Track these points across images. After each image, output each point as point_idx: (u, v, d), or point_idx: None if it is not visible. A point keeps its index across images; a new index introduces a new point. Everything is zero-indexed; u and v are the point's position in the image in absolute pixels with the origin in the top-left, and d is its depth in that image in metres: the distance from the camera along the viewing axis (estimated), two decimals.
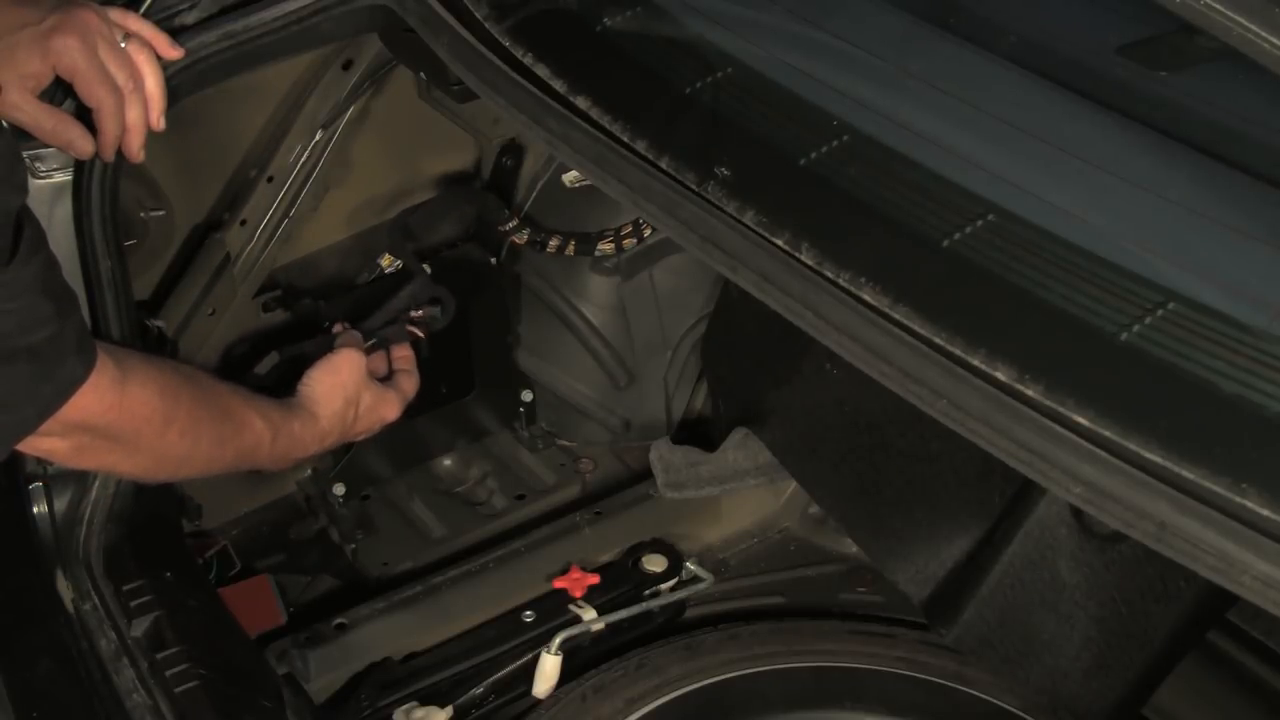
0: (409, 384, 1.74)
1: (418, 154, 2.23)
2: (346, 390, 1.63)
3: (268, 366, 1.80)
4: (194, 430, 1.40)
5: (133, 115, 1.50)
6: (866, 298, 1.27)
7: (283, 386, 1.62)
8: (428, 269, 2.00)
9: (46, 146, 1.51)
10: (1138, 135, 1.40)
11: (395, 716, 1.81)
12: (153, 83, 1.51)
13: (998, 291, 1.26)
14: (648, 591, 1.99)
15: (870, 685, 1.85)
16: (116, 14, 1.51)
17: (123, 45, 1.49)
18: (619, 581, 1.99)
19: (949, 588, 1.82)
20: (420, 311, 1.88)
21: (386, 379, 1.73)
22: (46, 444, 1.30)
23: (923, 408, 1.21)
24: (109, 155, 1.52)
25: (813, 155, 1.41)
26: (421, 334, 1.88)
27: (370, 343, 1.76)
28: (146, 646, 1.53)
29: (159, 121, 1.53)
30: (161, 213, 2.00)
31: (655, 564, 2.02)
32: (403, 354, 1.78)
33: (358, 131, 2.08)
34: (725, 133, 1.48)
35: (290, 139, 2.02)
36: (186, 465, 1.44)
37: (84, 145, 1.49)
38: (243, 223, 2.05)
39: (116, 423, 1.31)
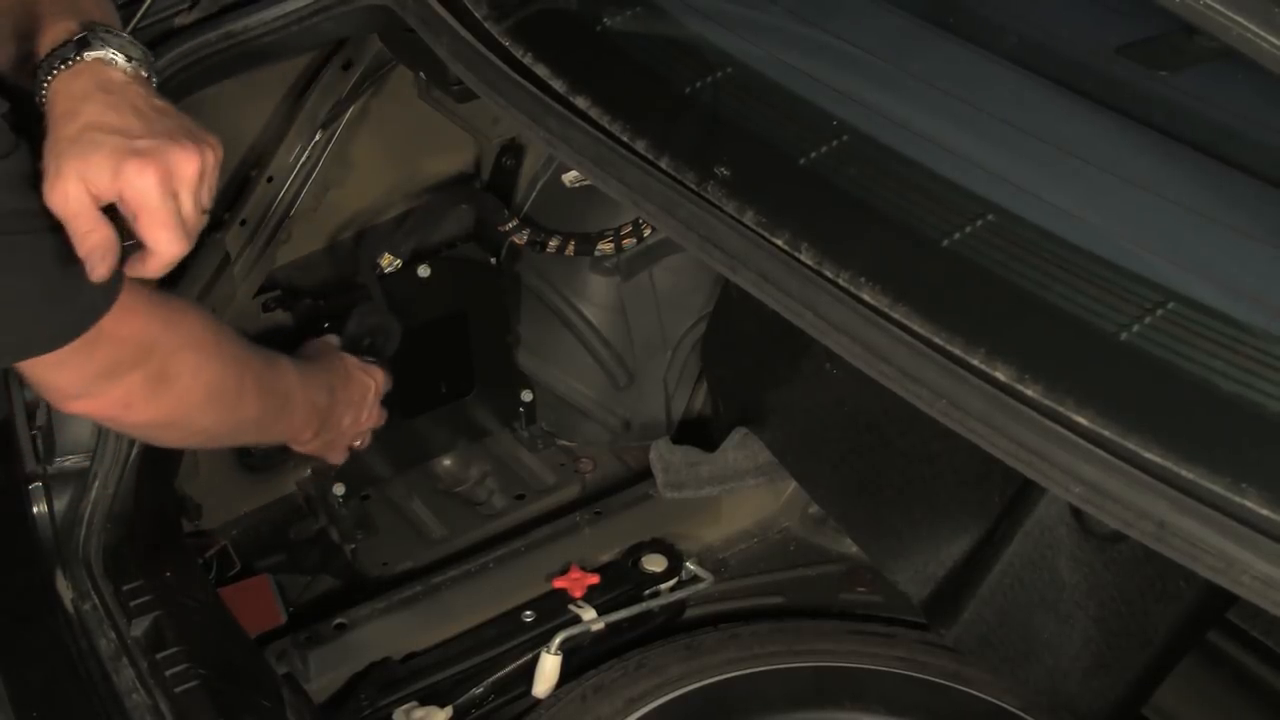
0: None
1: (418, 154, 2.22)
2: (329, 347, 1.86)
3: None
4: (234, 362, 1.50)
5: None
6: (866, 297, 1.26)
7: None
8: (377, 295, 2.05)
9: None
10: (1137, 135, 1.40)
11: (395, 716, 1.81)
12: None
13: (997, 291, 1.26)
14: (647, 591, 2.00)
15: (870, 685, 1.85)
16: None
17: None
18: (619, 581, 1.99)
19: (949, 587, 1.82)
20: (367, 341, 2.01)
21: None
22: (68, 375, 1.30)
23: (922, 407, 1.21)
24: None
25: (812, 155, 1.41)
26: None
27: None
28: (146, 646, 1.53)
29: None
30: None
31: (655, 564, 2.02)
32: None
33: (357, 131, 2.08)
34: (725, 132, 1.48)
35: (290, 139, 2.02)
36: (219, 402, 1.49)
37: (101, 269, 1.22)
38: (242, 222, 2.04)
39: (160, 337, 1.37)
